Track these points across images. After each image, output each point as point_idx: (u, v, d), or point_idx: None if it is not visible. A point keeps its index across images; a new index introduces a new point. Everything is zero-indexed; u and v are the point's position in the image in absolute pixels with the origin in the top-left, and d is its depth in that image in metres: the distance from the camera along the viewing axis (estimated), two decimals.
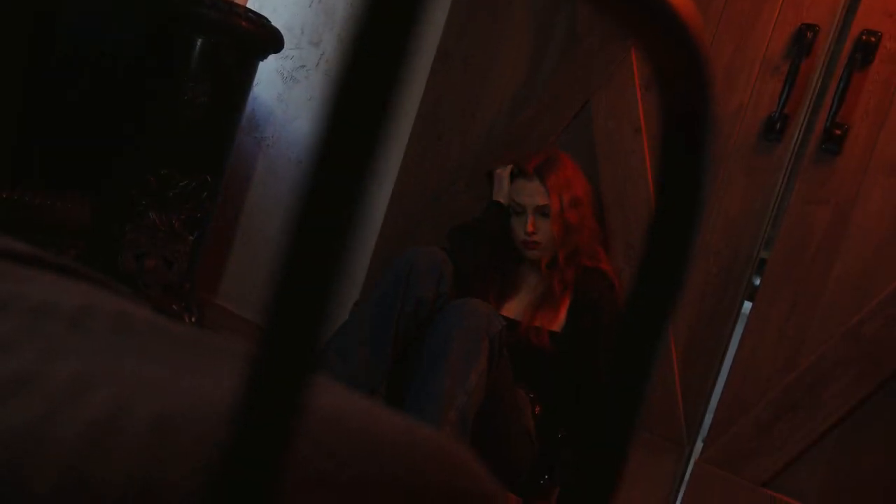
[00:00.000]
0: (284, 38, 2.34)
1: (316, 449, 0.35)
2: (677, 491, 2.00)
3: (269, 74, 2.76)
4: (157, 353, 0.38)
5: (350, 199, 0.23)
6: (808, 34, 1.90)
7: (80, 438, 0.28)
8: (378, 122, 0.23)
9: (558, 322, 1.94)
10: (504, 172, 2.05)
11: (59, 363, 0.34)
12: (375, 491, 0.36)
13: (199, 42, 2.07)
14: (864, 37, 1.84)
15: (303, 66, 2.75)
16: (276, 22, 2.37)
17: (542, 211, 1.96)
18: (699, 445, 2.02)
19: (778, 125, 1.92)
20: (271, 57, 2.45)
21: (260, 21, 2.17)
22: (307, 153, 2.62)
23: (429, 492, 0.38)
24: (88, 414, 0.29)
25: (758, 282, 1.98)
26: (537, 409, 1.89)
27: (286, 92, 2.77)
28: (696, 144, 0.35)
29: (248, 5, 2.77)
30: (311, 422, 0.37)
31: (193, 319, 2.11)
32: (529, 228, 1.96)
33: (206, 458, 0.28)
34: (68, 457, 0.27)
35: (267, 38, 2.21)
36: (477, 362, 1.64)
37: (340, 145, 0.23)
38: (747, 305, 2.00)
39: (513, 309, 1.99)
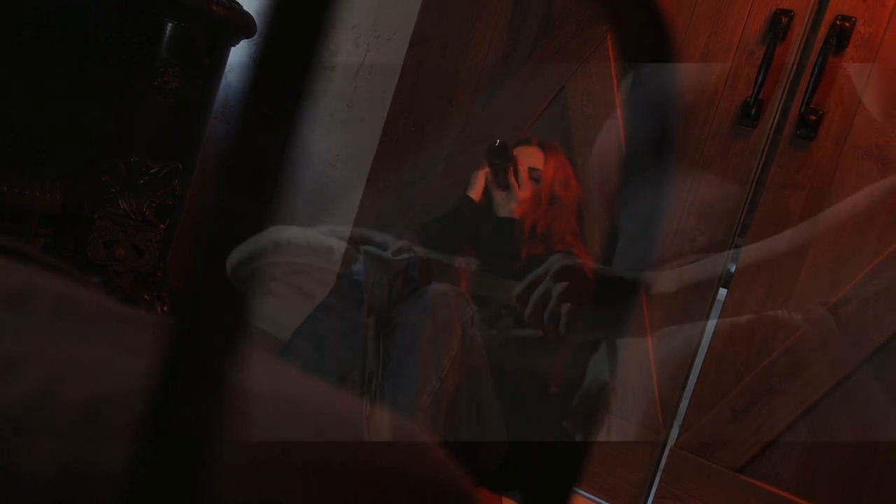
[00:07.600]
0: (257, 23, 2.30)
1: (266, 434, 0.34)
2: (653, 477, 2.00)
3: (241, 61, 2.72)
4: (99, 336, 0.36)
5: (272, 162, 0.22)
6: (783, 19, 1.90)
7: (2, 423, 0.26)
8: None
9: None
10: (482, 172, 2.05)
11: None
12: (329, 476, 0.34)
13: (170, 26, 2.03)
14: (838, 22, 1.84)
15: None
16: (248, 7, 2.33)
17: (533, 175, 1.96)
18: (675, 432, 2.02)
19: (753, 110, 1.92)
20: (243, 43, 2.40)
21: (232, 6, 2.13)
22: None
23: (386, 477, 0.36)
24: (13, 397, 0.27)
25: (733, 269, 1.98)
26: None
27: None
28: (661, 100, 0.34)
29: None
30: (262, 406, 0.36)
31: (165, 309, 2.08)
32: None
33: (138, 443, 0.26)
34: None
35: (239, 24, 2.17)
36: (450, 347, 1.64)
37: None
38: (723, 292, 2.00)
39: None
